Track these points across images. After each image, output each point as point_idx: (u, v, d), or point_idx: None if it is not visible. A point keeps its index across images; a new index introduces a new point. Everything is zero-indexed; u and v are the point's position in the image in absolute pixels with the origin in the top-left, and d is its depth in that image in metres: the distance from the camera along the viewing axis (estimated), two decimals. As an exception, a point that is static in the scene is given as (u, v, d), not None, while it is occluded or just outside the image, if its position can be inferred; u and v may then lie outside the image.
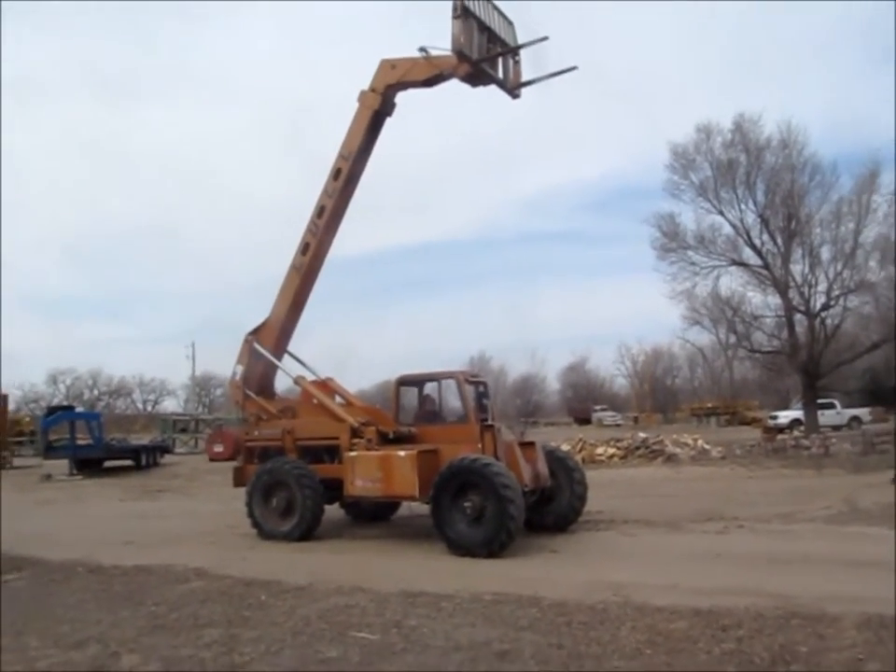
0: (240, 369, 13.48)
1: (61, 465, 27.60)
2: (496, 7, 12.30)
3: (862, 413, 41.04)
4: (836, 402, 40.70)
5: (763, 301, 36.20)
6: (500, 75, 12.44)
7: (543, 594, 7.52)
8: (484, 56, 12.02)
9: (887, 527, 10.95)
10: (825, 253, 34.00)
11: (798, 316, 34.57)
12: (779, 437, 29.32)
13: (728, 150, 34.63)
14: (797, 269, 34.38)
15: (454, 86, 12.43)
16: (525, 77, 12.69)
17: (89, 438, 29.51)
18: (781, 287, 33.90)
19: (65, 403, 57.60)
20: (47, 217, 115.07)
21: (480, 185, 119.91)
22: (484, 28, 12.01)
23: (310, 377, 13.66)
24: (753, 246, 34.72)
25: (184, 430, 44.08)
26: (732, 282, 36.30)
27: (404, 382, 12.55)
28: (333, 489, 11.88)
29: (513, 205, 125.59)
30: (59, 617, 7.50)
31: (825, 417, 37.72)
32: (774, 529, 11.57)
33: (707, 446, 26.65)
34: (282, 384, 14.48)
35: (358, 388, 16.29)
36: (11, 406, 44.55)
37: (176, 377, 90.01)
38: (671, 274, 35.88)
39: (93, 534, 13.31)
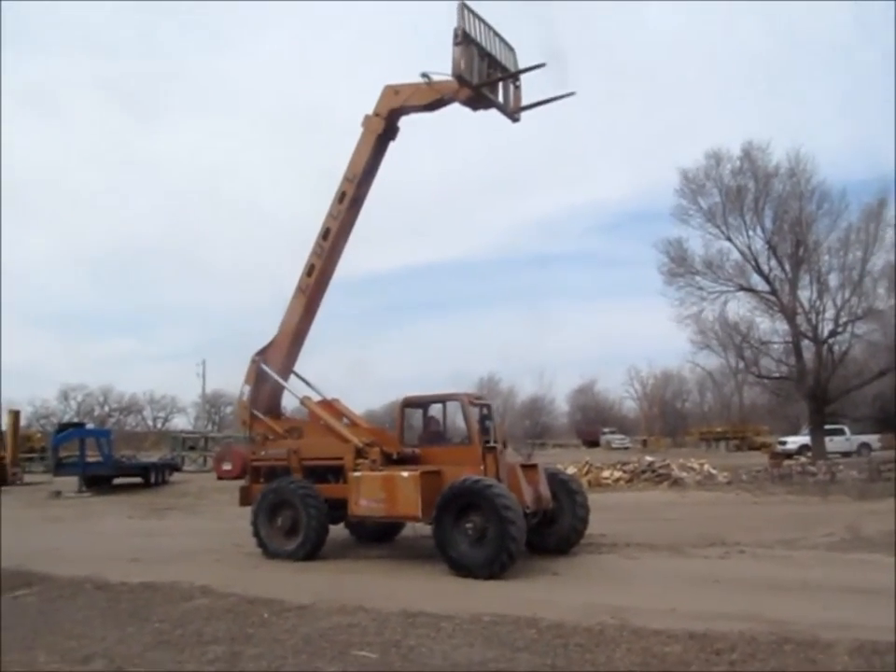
0: (247, 389, 13.70)
1: (70, 482, 27.83)
2: (497, 34, 12.63)
3: (872, 439, 40.90)
4: (846, 429, 40.52)
5: (770, 327, 36.33)
6: (501, 99, 12.75)
7: (542, 615, 7.62)
8: (484, 81, 12.33)
9: (888, 555, 10.95)
10: (833, 280, 34.18)
11: (806, 343, 34.58)
12: (786, 463, 29.25)
13: (737, 177, 34.89)
14: (805, 295, 34.51)
15: (460, 110, 12.76)
16: (525, 102, 12.99)
17: (98, 455, 29.69)
18: (789, 314, 33.94)
19: (76, 420, 57.89)
20: (61, 232, 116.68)
21: (490, 207, 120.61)
22: (485, 54, 12.32)
23: (316, 397, 13.84)
24: (761, 272, 34.84)
25: (193, 448, 44.24)
26: (740, 307, 36.45)
27: (409, 403, 12.73)
28: (338, 509, 12.01)
29: (524, 228, 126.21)
30: (66, 632, 7.62)
31: (834, 443, 37.61)
32: (775, 555, 11.60)
33: (713, 471, 26.60)
34: (290, 402, 14.70)
35: (367, 409, 16.49)
36: (23, 422, 44.84)
37: (187, 394, 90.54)
38: (678, 299, 36.05)
39: (101, 551, 13.47)
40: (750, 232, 34.89)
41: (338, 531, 12.96)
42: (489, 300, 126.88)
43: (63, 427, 33.95)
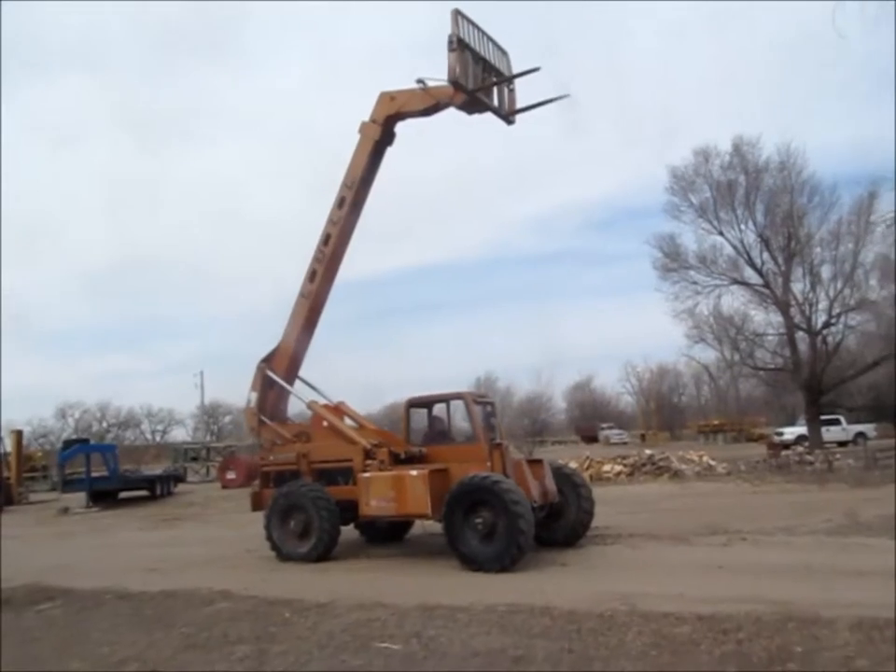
0: (254, 395, 13.89)
1: (76, 498, 27.83)
2: (491, 39, 12.98)
3: (868, 429, 41.31)
4: (842, 418, 40.91)
5: (765, 320, 36.78)
6: (496, 103, 13.11)
7: (554, 604, 7.89)
8: (479, 86, 12.64)
9: (887, 538, 11.21)
10: (825, 272, 34.64)
11: (800, 334, 34.99)
12: (784, 453, 29.58)
13: (727, 172, 35.32)
14: (798, 287, 35.03)
15: (456, 113, 13.03)
16: (519, 104, 13.36)
17: (103, 470, 29.77)
18: (783, 306, 34.35)
19: (76, 437, 57.84)
20: (61, 250, 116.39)
21: (485, 206, 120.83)
22: (480, 59, 12.67)
23: (322, 401, 14.04)
24: (754, 266, 35.27)
25: (195, 459, 44.37)
26: (734, 301, 36.88)
27: (413, 403, 12.96)
28: (348, 510, 12.22)
29: (519, 226, 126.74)
30: (96, 640, 7.77)
31: (831, 433, 38.01)
32: (776, 541, 11.85)
33: (712, 462, 26.90)
34: (295, 407, 14.94)
35: (365, 413, 16.66)
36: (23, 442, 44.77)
37: (184, 406, 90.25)
38: (673, 294, 36.48)
39: (117, 563, 13.54)
40: (742, 227, 35.44)
41: (347, 533, 13.18)
42: (482, 300, 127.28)
43: (68, 444, 34.07)
